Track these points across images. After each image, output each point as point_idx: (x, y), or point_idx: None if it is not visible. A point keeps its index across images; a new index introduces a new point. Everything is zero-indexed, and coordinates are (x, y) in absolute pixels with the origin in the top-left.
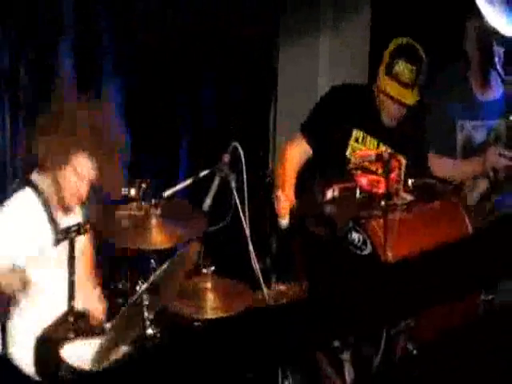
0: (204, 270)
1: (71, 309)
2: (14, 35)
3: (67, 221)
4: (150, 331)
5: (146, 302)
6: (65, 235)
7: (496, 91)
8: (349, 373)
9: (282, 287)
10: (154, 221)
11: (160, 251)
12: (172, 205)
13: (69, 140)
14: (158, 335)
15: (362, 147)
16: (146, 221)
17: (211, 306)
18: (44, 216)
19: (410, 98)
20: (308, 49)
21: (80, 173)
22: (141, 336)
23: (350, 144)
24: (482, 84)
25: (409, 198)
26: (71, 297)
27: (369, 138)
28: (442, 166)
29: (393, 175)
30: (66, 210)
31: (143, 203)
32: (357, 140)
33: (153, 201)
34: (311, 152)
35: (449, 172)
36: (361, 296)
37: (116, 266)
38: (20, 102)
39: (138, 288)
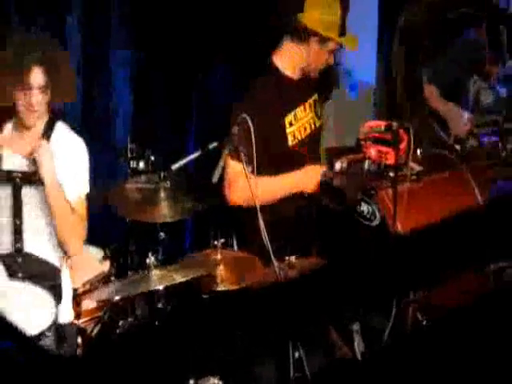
0: (214, 242)
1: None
2: (23, 12)
3: (13, 161)
4: (159, 305)
5: (156, 276)
6: (6, 177)
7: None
8: (358, 344)
9: (293, 260)
10: (162, 194)
11: (169, 224)
12: (181, 177)
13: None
14: (168, 308)
15: (297, 125)
16: (155, 194)
17: (221, 278)
18: None
19: None
20: None
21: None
22: (151, 309)
23: (287, 133)
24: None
25: (418, 168)
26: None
27: (296, 110)
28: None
29: (402, 145)
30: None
31: (152, 176)
32: (291, 124)
33: (162, 174)
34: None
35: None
36: (371, 267)
37: (125, 239)
38: None
39: (147, 261)
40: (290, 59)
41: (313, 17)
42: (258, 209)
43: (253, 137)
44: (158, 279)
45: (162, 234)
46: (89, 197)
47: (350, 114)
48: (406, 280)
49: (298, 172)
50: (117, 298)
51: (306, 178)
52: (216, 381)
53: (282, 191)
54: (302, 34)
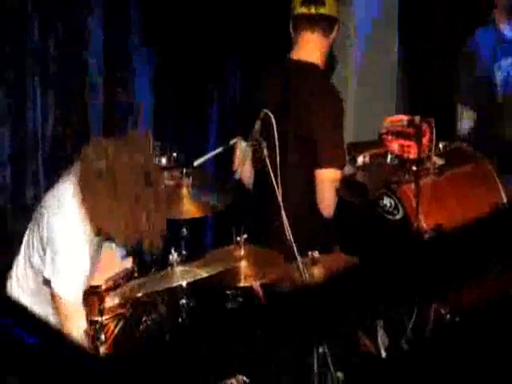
0: (237, 238)
1: None
2: (43, 9)
3: None
4: (183, 301)
5: (179, 272)
6: None
7: None
8: (382, 339)
9: (316, 255)
10: (185, 190)
11: (191, 220)
12: (203, 174)
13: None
14: (191, 305)
15: None
16: (177, 190)
17: (244, 274)
18: None
19: None
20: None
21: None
22: (174, 306)
23: None
24: (507, 19)
25: (440, 162)
26: None
27: None
28: None
29: (424, 140)
30: None
31: (174, 172)
32: None
33: (184, 170)
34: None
35: None
36: (394, 262)
37: None
38: (50, 76)
39: (170, 258)
40: (319, 51)
41: (334, 6)
42: (282, 204)
43: (275, 132)
44: (182, 275)
45: (184, 230)
46: None
47: (370, 109)
48: (429, 278)
49: None
50: (140, 294)
51: None
52: (241, 377)
53: None
54: (331, 25)
